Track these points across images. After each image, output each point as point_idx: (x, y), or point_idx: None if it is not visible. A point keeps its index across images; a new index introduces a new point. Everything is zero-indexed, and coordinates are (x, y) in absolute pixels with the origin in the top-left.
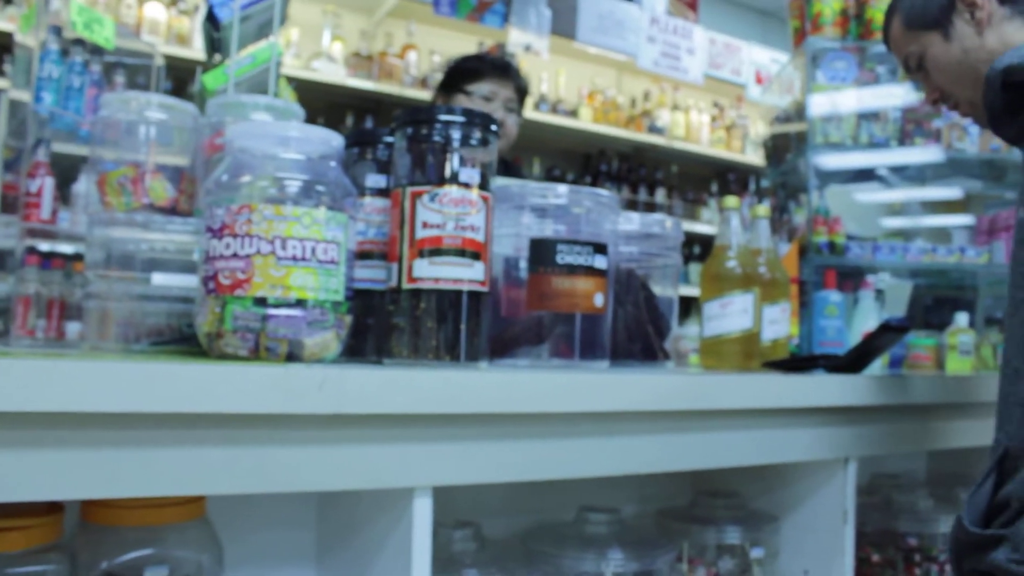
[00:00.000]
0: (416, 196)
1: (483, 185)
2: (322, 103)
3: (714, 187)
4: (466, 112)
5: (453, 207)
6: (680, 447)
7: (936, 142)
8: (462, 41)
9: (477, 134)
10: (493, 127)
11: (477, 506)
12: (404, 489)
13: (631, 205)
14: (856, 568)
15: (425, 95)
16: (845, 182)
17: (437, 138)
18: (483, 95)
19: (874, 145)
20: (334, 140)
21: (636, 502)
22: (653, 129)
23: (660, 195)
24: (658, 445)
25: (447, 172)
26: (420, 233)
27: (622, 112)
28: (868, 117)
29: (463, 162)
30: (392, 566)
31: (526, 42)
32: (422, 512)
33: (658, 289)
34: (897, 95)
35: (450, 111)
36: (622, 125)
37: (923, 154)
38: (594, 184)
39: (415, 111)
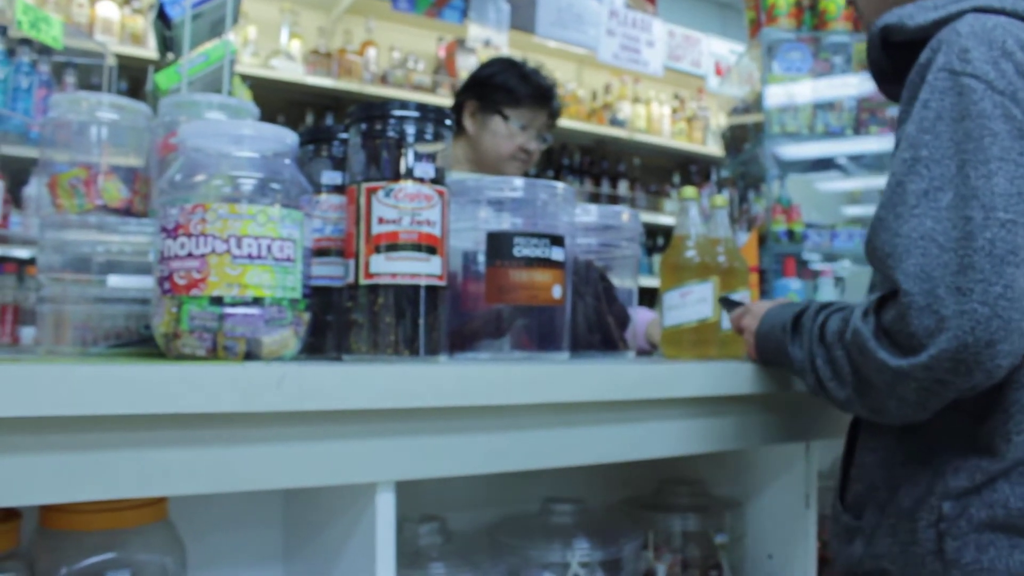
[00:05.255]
0: (371, 192)
1: (438, 180)
2: (281, 101)
3: (676, 179)
4: (420, 107)
5: (409, 202)
6: (643, 436)
7: (891, 130)
8: (421, 37)
9: (431, 129)
10: (447, 121)
11: (443, 500)
12: (367, 484)
13: (594, 198)
14: (819, 551)
15: (385, 92)
16: (805, 171)
17: (391, 133)
18: (521, 124)
19: (830, 134)
20: (288, 138)
21: (601, 492)
22: (614, 122)
23: (623, 188)
24: (621, 434)
25: (402, 167)
26: (376, 229)
27: (583, 105)
28: (824, 107)
29: (418, 157)
30: (357, 561)
31: (485, 37)
32: (385, 507)
33: (617, 280)
34: (852, 84)
35: (403, 106)
36: (583, 118)
37: (882, 142)
38: (556, 178)
39: (369, 107)
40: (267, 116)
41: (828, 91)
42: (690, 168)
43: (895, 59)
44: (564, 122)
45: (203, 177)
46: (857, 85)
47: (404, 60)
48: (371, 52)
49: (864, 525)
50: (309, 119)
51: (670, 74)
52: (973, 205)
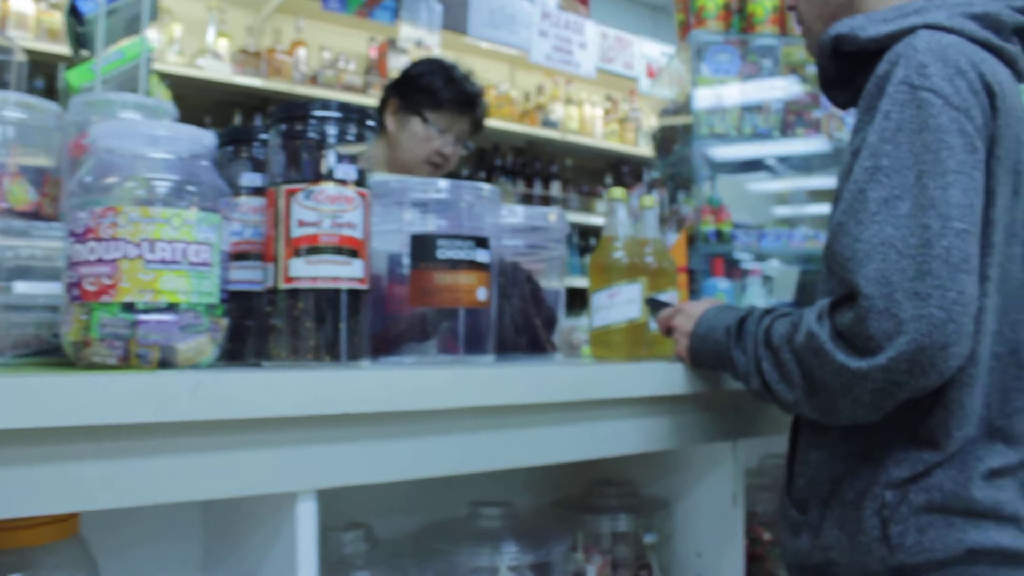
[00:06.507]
0: (291, 194)
1: (360, 181)
2: (208, 102)
3: (608, 179)
4: (342, 107)
5: (329, 204)
6: (570, 438)
7: (816, 132)
8: (353, 37)
9: (354, 130)
10: (370, 122)
11: (369, 507)
12: (287, 494)
13: (526, 199)
14: (748, 548)
15: (316, 92)
16: (735, 172)
17: (312, 134)
18: (440, 128)
19: (758, 136)
20: (206, 139)
21: (531, 494)
22: (547, 123)
23: (555, 188)
24: (547, 437)
25: (323, 169)
26: (296, 232)
27: (516, 106)
28: (751, 109)
29: (339, 158)
30: (278, 573)
31: (417, 37)
32: (306, 516)
33: (544, 281)
34: (779, 87)
35: (325, 106)
36: (516, 120)
37: (810, 144)
38: (489, 179)
39: (290, 107)
40: (194, 116)
41: (756, 93)
42: (622, 169)
43: (841, 66)
44: (497, 123)
45: (115, 179)
46: (784, 88)
47: (335, 60)
48: (301, 52)
49: (810, 519)
50: (237, 120)
51: (602, 76)
52: (931, 214)
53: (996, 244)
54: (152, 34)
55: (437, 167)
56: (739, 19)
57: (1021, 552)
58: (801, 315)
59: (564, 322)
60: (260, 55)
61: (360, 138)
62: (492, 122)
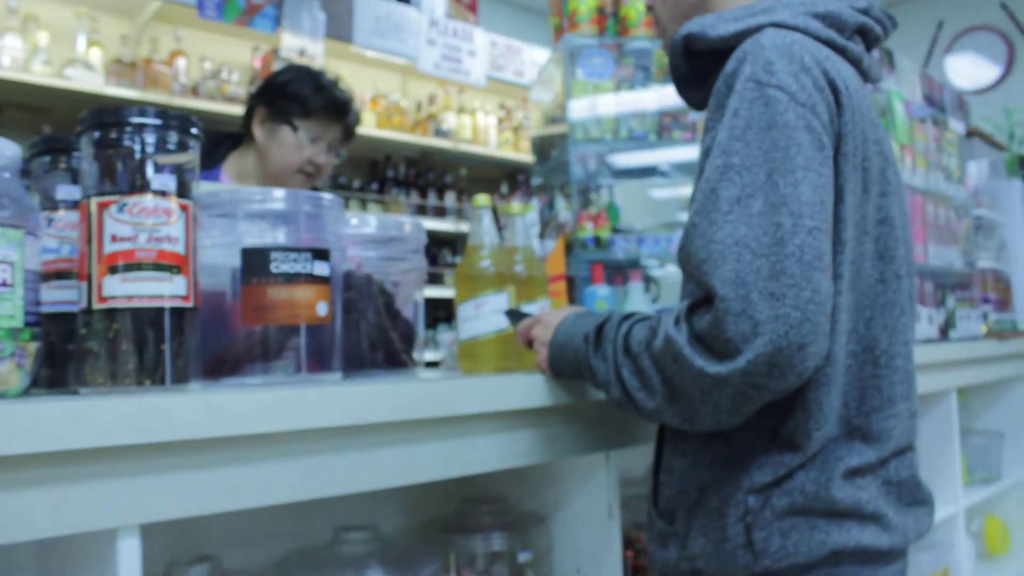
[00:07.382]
0: (103, 207)
1: (182, 192)
2: (78, 114)
3: (504, 188)
4: (161, 114)
5: (146, 217)
6: (434, 456)
7: (693, 135)
8: (235, 47)
9: (174, 138)
10: (193, 130)
11: (226, 537)
12: (106, 531)
13: (421, 210)
14: (633, 559)
15: (196, 104)
16: (633, 177)
17: (127, 143)
18: (311, 136)
19: (633, 139)
20: (8, 150)
21: (402, 516)
22: (439, 133)
23: (450, 199)
24: (409, 456)
25: (139, 180)
26: (109, 247)
27: (407, 116)
28: (627, 113)
29: (158, 168)
30: None
31: (300, 47)
32: (128, 554)
33: (403, 293)
34: (655, 90)
35: (142, 112)
36: (408, 130)
37: (686, 148)
38: (381, 191)
39: (102, 113)
40: (63, 129)
41: (631, 96)
42: (518, 178)
43: (695, 66)
44: (388, 133)
45: None
46: (660, 91)
47: (217, 71)
48: (181, 62)
49: (677, 529)
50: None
51: (495, 84)
52: (783, 212)
53: (847, 241)
54: (15, 42)
55: (310, 176)
56: (613, 22)
57: (883, 550)
58: (660, 319)
59: (447, 334)
60: (136, 65)
61: (182, 146)
62: (384, 132)
